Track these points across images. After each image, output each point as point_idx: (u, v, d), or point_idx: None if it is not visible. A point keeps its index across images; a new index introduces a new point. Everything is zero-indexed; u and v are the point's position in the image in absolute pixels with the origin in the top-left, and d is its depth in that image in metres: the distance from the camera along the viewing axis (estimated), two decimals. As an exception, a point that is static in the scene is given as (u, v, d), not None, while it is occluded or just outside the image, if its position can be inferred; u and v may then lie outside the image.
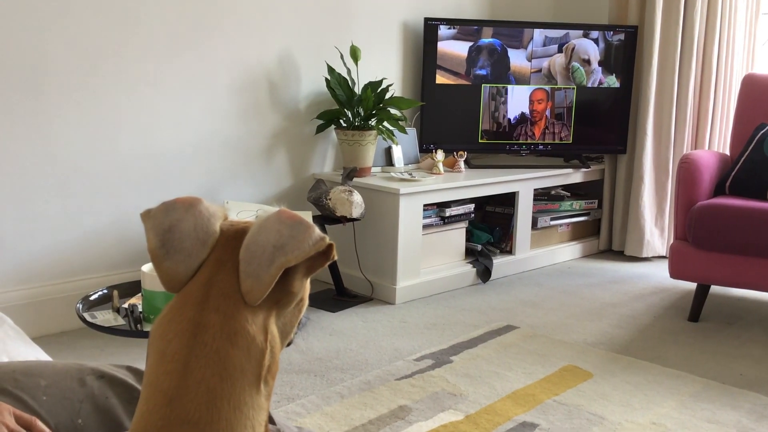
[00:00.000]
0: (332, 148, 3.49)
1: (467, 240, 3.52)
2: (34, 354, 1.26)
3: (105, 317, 1.80)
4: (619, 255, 4.05)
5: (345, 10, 3.42)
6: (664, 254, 3.92)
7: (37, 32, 2.52)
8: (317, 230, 0.74)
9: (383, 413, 2.06)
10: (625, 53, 3.85)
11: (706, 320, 2.97)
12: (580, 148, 3.92)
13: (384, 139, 3.32)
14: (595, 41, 3.80)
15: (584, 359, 2.51)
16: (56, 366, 1.02)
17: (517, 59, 3.74)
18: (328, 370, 2.38)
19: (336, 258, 0.74)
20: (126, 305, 1.84)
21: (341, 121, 3.30)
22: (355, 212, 2.93)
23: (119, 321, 1.79)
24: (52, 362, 1.05)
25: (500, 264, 3.55)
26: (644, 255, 3.90)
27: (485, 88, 3.72)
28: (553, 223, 3.85)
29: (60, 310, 2.67)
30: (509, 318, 2.95)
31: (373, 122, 3.27)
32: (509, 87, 3.75)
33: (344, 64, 3.34)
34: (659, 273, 3.67)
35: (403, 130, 3.37)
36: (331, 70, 3.24)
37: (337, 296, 3.13)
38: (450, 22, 3.61)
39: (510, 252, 3.67)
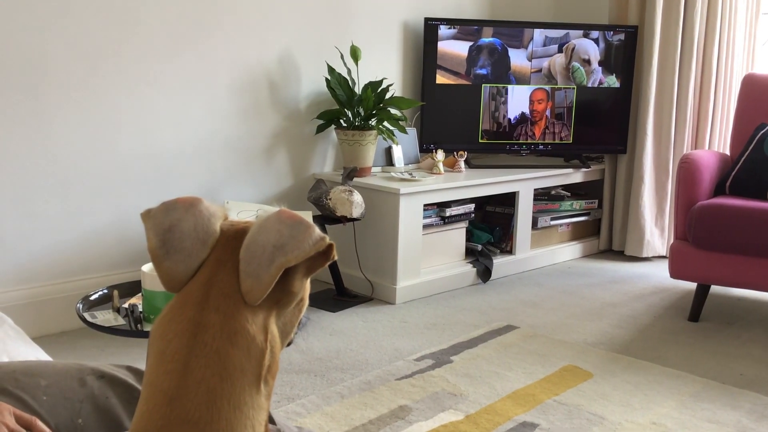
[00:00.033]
0: (332, 148, 3.49)
1: (467, 240, 3.52)
2: (35, 354, 1.26)
3: (105, 317, 1.80)
4: (620, 255, 4.05)
5: (345, 10, 3.42)
6: (664, 254, 3.92)
7: (37, 32, 2.52)
8: (317, 230, 0.74)
9: (383, 413, 2.06)
10: (625, 53, 3.85)
11: (706, 320, 2.97)
12: (581, 148, 3.92)
13: (384, 139, 3.32)
14: (596, 41, 3.80)
15: (584, 359, 2.51)
16: (56, 366, 1.02)
17: (518, 59, 3.74)
18: (328, 370, 2.38)
19: (336, 258, 0.74)
20: (126, 305, 1.84)
21: (341, 121, 3.30)
22: (356, 212, 2.93)
23: (119, 321, 1.79)
24: (52, 362, 1.05)
25: (500, 264, 3.55)
26: (644, 255, 3.90)
27: (485, 88, 3.72)
28: (553, 223, 3.85)
29: (60, 310, 2.67)
30: (509, 318, 2.95)
31: (373, 122, 3.27)
32: (509, 87, 3.75)
33: (344, 64, 3.34)
34: (659, 273, 3.67)
35: (403, 130, 3.37)
36: (331, 70, 3.24)
37: (338, 296, 3.14)
38: (450, 22, 3.61)
39: (510, 252, 3.67)
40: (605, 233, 4.11)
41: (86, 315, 1.79)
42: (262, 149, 3.21)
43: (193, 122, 2.97)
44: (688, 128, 3.81)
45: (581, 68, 3.82)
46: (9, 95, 2.49)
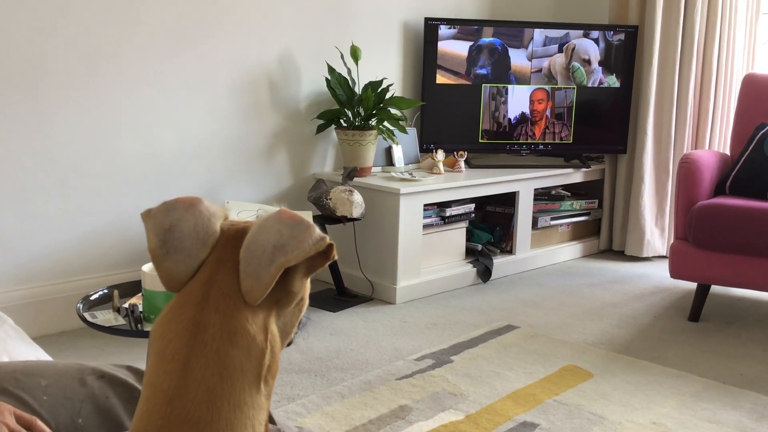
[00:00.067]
0: (332, 148, 3.49)
1: (467, 240, 3.52)
2: (35, 354, 1.26)
3: (105, 317, 1.80)
4: (620, 255, 4.05)
5: (345, 10, 3.42)
6: (665, 254, 3.92)
7: (37, 32, 2.53)
8: (317, 230, 0.74)
9: (383, 413, 2.06)
10: (626, 53, 3.85)
11: (706, 320, 2.97)
12: (581, 148, 3.92)
13: (384, 138, 3.32)
14: (596, 41, 3.80)
15: (584, 359, 2.51)
16: (57, 366, 1.02)
17: (518, 59, 3.74)
18: (328, 369, 2.38)
19: (336, 258, 0.75)
20: (126, 305, 1.84)
21: (341, 120, 3.30)
22: (356, 212, 2.93)
23: (119, 321, 1.79)
24: (52, 362, 1.05)
25: (500, 264, 3.55)
26: (644, 255, 3.90)
27: (485, 87, 3.72)
28: (553, 222, 3.85)
29: (60, 310, 2.67)
30: (510, 318, 2.95)
31: (373, 122, 3.27)
32: (509, 87, 3.75)
33: (344, 63, 3.34)
34: (659, 273, 3.67)
35: (403, 130, 3.37)
36: (331, 69, 3.24)
37: (338, 296, 3.14)
38: (450, 21, 3.61)
39: (510, 252, 3.67)
40: (605, 233, 4.11)
41: (86, 315, 1.79)
42: (262, 149, 3.21)
43: (193, 122, 2.97)
44: (688, 128, 3.81)
45: (581, 68, 3.82)
46: (9, 95, 2.49)
